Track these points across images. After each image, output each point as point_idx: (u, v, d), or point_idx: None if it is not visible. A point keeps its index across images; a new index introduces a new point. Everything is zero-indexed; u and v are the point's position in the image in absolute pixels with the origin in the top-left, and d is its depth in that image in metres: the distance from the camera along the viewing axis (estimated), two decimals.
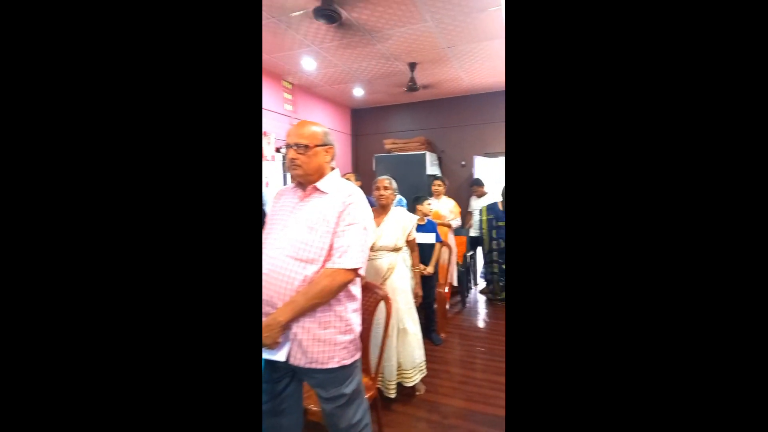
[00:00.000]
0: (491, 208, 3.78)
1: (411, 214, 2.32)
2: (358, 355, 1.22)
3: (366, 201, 1.21)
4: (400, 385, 2.08)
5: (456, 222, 3.74)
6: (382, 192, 2.15)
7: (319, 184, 1.18)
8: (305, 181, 1.19)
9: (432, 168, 4.88)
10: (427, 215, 2.83)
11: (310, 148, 1.16)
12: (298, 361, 1.12)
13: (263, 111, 3.91)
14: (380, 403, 1.79)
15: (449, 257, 3.23)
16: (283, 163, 3.98)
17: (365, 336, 1.54)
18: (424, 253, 2.63)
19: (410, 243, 2.28)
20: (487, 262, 3.90)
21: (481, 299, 4.07)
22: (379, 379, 1.97)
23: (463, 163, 5.20)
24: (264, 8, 2.61)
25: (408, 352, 2.09)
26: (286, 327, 1.08)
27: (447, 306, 3.16)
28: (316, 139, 1.17)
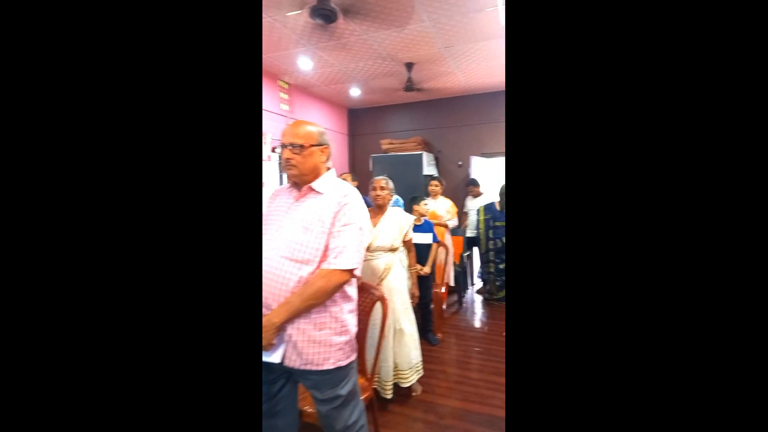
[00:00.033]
0: (488, 208, 3.79)
1: (408, 214, 2.32)
2: (353, 357, 1.21)
3: (362, 201, 1.21)
4: (396, 386, 2.08)
5: (453, 222, 3.74)
6: (379, 192, 2.15)
7: (314, 185, 1.17)
8: (301, 181, 1.18)
9: (429, 168, 4.88)
10: (423, 215, 2.82)
11: (305, 148, 1.15)
12: (293, 362, 1.11)
13: None
14: (377, 403, 1.79)
15: (446, 257, 3.23)
16: (279, 163, 3.97)
17: (361, 337, 1.53)
18: (420, 253, 2.62)
19: (407, 243, 2.28)
20: (484, 262, 3.91)
21: (478, 299, 4.07)
22: (376, 379, 1.97)
23: (460, 163, 5.21)
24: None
25: (405, 352, 2.08)
26: (280, 328, 1.08)
27: (444, 306, 3.16)
28: (312, 138, 1.17)
